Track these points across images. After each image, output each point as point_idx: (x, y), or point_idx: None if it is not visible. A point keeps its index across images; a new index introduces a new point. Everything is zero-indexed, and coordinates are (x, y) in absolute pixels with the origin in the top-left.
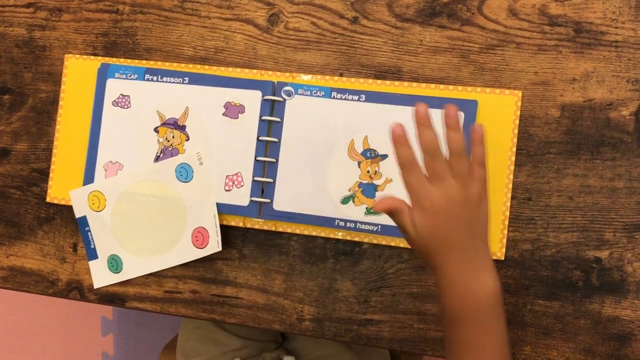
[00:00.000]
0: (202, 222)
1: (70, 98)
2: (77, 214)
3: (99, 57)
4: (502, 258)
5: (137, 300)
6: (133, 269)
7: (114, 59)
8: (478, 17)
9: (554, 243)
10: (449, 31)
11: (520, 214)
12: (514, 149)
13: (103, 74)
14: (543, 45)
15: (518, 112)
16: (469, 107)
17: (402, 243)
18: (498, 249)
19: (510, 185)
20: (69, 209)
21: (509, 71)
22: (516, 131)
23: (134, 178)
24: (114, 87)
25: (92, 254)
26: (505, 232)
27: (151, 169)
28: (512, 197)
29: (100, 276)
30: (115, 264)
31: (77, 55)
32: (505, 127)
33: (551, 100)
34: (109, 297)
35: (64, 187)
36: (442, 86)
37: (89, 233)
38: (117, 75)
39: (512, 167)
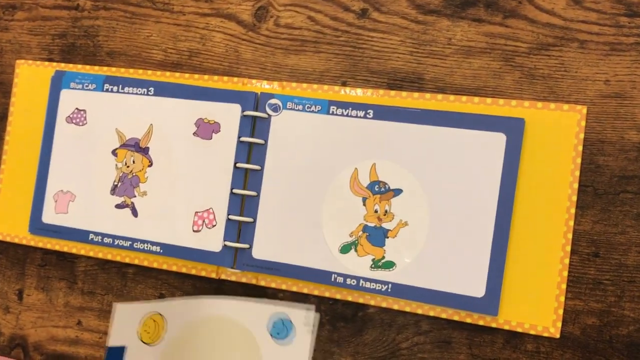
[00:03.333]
0: None
1: (20, 112)
2: (113, 341)
3: (55, 64)
4: (557, 336)
5: None
6: None
7: (71, 66)
8: (527, 6)
9: (632, 318)
10: (487, 26)
11: (584, 275)
12: (576, 186)
13: (57, 84)
14: (618, 44)
15: (582, 135)
16: (513, 129)
17: (420, 309)
18: (551, 322)
19: (570, 236)
20: (14, 247)
21: (569, 79)
22: (579, 161)
23: (209, 308)
24: (69, 99)
25: None
26: (562, 299)
27: (235, 306)
28: (573, 252)
29: None
30: None
31: (30, 62)
32: (564, 156)
33: (629, 119)
34: (57, 358)
35: (9, 220)
36: (476, 99)
37: None
38: (72, 85)
39: (573, 211)
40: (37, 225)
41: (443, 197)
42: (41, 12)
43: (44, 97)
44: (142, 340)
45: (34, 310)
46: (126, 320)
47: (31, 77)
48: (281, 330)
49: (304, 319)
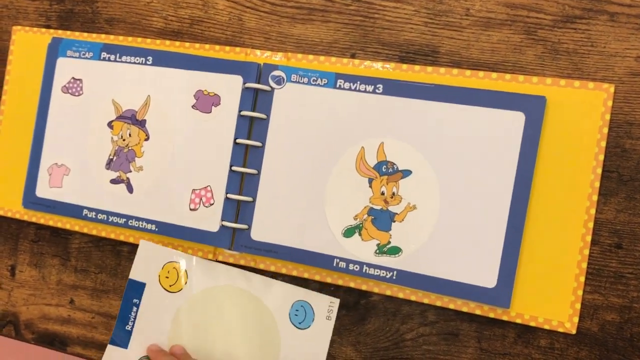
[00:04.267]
0: None
1: (16, 81)
2: (134, 275)
3: (52, 30)
4: (573, 331)
5: (81, 344)
6: None
7: (69, 33)
8: None
9: None
10: None
11: (605, 267)
12: (599, 171)
13: (53, 51)
14: None
15: (608, 116)
16: (533, 108)
17: (427, 298)
18: (567, 317)
19: (591, 225)
20: (8, 221)
21: (596, 55)
22: (603, 144)
23: (233, 279)
24: (65, 68)
25: (121, 338)
26: (580, 293)
27: (260, 283)
28: (593, 242)
29: None
30: None
31: (27, 28)
32: (587, 139)
33: None
34: (48, 337)
35: (3, 194)
36: (494, 75)
37: (135, 308)
38: (69, 53)
39: (595, 198)
40: (30, 200)
41: (455, 180)
42: None
43: (40, 66)
44: (161, 284)
45: (26, 287)
46: (149, 259)
47: (28, 44)
48: (302, 316)
49: (327, 309)
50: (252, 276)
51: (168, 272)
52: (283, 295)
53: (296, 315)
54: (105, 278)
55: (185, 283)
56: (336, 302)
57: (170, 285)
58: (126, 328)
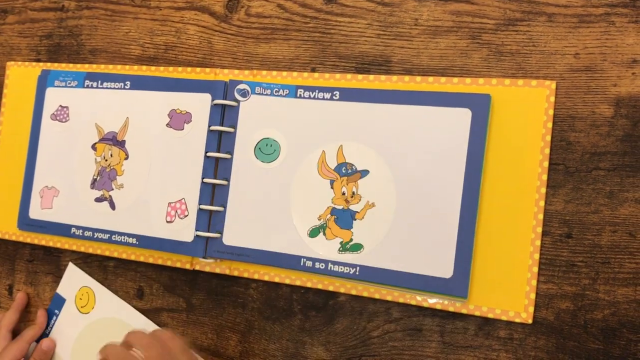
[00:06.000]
0: None
1: (11, 112)
2: (60, 290)
3: (42, 64)
4: (529, 321)
5: None
6: None
7: (57, 65)
8: None
9: (608, 301)
10: (453, 4)
11: (557, 257)
12: (546, 164)
13: (43, 82)
14: (587, 16)
15: (551, 111)
16: (479, 104)
17: (390, 295)
18: (523, 307)
19: (541, 216)
20: (5, 243)
21: (537, 54)
22: (548, 138)
23: (122, 314)
24: (53, 96)
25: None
26: (534, 283)
27: (142, 323)
28: (544, 233)
29: None
30: None
31: (20, 63)
32: (533, 133)
33: (600, 92)
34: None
35: (0, 217)
36: (443, 79)
37: (55, 318)
38: (56, 83)
39: (544, 190)
40: (25, 221)
41: (409, 177)
42: (30, 14)
43: (32, 96)
44: (75, 304)
45: None
46: (72, 280)
47: (20, 78)
48: None
49: None
50: (139, 316)
51: (82, 294)
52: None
53: None
54: None
55: (93, 308)
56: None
57: (82, 307)
58: (46, 332)
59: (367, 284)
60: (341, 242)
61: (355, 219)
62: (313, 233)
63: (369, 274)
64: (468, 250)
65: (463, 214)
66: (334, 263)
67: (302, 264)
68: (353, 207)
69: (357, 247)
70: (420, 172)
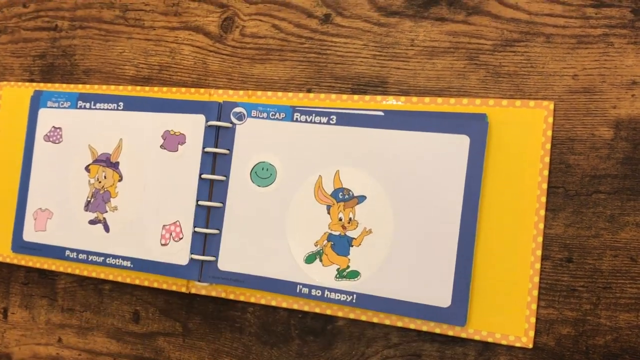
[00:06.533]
0: None
1: (4, 132)
2: None
3: (34, 84)
4: (530, 345)
5: None
6: None
7: (50, 85)
8: (490, 2)
9: (609, 327)
10: (450, 25)
11: (557, 282)
12: (545, 186)
13: (35, 103)
14: (585, 37)
15: (549, 133)
16: (475, 126)
17: (388, 319)
18: (523, 331)
19: (541, 240)
20: (0, 266)
21: (535, 76)
22: (547, 160)
23: None
24: (46, 117)
25: None
26: (534, 307)
27: None
28: (544, 258)
29: None
30: None
31: (13, 83)
32: (531, 155)
33: (599, 114)
34: None
35: None
36: (440, 99)
37: None
38: (49, 103)
39: (543, 213)
40: (19, 244)
41: (407, 204)
42: (23, 34)
43: (25, 117)
44: None
45: (17, 328)
46: None
47: (13, 98)
48: None
49: None
50: None
51: None
52: None
53: None
54: (90, 316)
55: None
56: None
57: None
58: None
59: (365, 310)
60: (338, 269)
61: (352, 246)
62: (309, 259)
63: (366, 302)
64: (466, 278)
65: (461, 239)
66: (331, 290)
67: (298, 290)
68: (350, 234)
69: (354, 275)
70: (418, 199)
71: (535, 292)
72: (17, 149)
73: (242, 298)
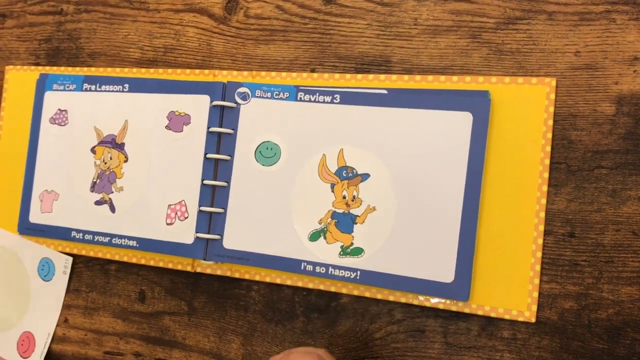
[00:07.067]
0: (34, 329)
1: (10, 116)
2: None
3: (40, 67)
4: (533, 320)
5: None
6: None
7: (55, 68)
8: None
9: (612, 300)
10: (453, 3)
11: (560, 256)
12: (547, 162)
13: (41, 86)
14: (587, 13)
15: (552, 109)
16: (478, 103)
17: (392, 295)
18: (526, 306)
19: (543, 215)
20: None
21: (537, 53)
22: (549, 136)
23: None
24: (52, 100)
25: None
26: (537, 282)
27: (20, 243)
28: (547, 232)
29: None
30: None
31: (18, 67)
32: (534, 131)
33: (601, 90)
34: (47, 357)
35: (1, 222)
36: (443, 77)
37: None
38: (55, 86)
39: (545, 189)
40: (25, 225)
41: (410, 181)
42: (29, 18)
43: (30, 100)
44: None
45: None
46: None
47: (19, 82)
48: (47, 271)
49: (63, 265)
50: (11, 236)
51: None
52: (32, 254)
53: (42, 269)
54: (96, 296)
55: None
56: (70, 259)
57: None
58: None
59: (369, 287)
60: (342, 246)
61: (355, 223)
62: (313, 237)
63: (369, 278)
64: (469, 253)
65: (464, 216)
66: (335, 267)
67: (302, 267)
68: (354, 211)
69: (358, 252)
70: (421, 176)
71: (538, 267)
72: (24, 131)
73: (247, 276)
